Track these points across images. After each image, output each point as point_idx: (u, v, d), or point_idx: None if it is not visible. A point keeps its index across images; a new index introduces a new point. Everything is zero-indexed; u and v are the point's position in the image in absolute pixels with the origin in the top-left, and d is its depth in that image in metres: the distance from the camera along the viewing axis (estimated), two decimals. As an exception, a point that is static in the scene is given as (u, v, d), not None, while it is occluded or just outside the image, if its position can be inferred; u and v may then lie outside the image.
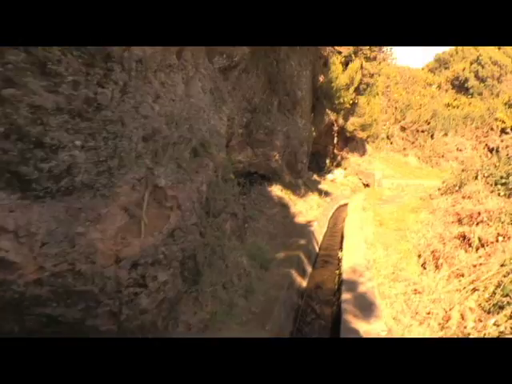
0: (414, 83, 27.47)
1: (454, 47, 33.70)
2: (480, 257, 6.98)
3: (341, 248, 7.87)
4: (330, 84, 13.30)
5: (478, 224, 9.44)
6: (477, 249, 7.41)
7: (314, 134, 14.58)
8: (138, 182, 3.63)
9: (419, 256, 8.89)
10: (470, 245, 7.85)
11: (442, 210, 13.01)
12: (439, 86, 29.18)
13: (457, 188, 14.23)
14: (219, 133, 5.63)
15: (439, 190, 16.11)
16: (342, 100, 13.77)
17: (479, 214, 9.73)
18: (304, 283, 6.47)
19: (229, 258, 4.38)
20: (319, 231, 9.94)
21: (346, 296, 4.77)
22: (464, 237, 8.31)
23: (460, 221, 10.57)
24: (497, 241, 7.15)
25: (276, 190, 10.33)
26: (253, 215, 7.56)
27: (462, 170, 15.81)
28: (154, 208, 3.85)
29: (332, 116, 16.28)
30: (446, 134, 23.26)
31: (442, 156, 22.77)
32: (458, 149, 22.81)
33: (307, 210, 10.61)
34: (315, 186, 14.90)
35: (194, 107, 4.79)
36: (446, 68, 33.23)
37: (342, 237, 8.93)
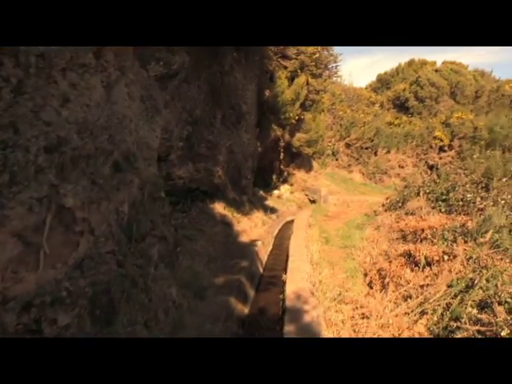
0: (359, 101, 28.18)
1: (395, 67, 35.20)
2: (427, 277, 6.80)
3: (285, 269, 7.42)
4: (276, 99, 13.06)
5: (421, 241, 9.38)
6: (423, 268, 7.23)
7: (260, 149, 14.25)
8: (37, 202, 2.96)
9: (365, 275, 8.63)
10: (415, 263, 7.68)
11: (386, 226, 13.00)
12: (382, 105, 30.16)
13: (400, 204, 14.36)
14: (149, 145, 5.02)
15: (383, 206, 16.27)
16: (287, 115, 13.56)
17: (423, 230, 9.69)
18: (246, 310, 5.92)
19: (154, 289, 3.76)
20: (264, 250, 9.47)
21: (288, 328, 4.29)
22: (410, 255, 8.15)
23: (404, 237, 10.51)
24: (442, 260, 7.02)
25: (219, 208, 9.78)
26: (191, 235, 6.95)
27: (405, 187, 16.07)
28: (58, 234, 3.18)
29: (278, 131, 16.07)
30: (388, 152, 23.90)
31: (385, 172, 23.32)
32: (399, 165, 23.47)
33: (252, 227, 10.13)
34: (261, 203, 14.51)
35: (116, 115, 4.17)
36: (387, 88, 34.54)
37: (288, 256, 8.51)
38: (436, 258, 7.09)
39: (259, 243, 8.85)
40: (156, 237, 4.06)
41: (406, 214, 12.39)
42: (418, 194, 13.39)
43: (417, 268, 7.30)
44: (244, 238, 9.04)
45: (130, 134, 4.49)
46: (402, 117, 27.41)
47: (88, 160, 3.52)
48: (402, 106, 30.22)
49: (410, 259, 7.94)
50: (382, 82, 36.29)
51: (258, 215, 11.44)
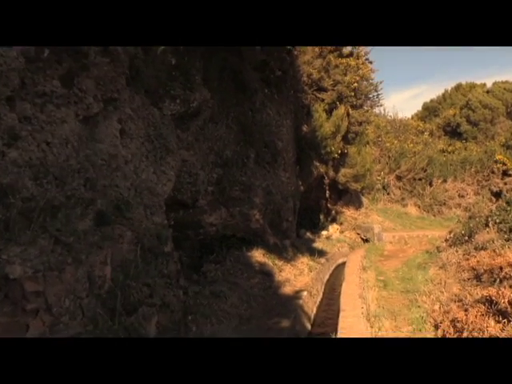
0: (406, 132, 26.72)
1: (442, 94, 33.60)
2: (520, 332, 5.33)
3: (336, 328, 6.19)
4: (315, 133, 12.17)
5: (501, 281, 7.85)
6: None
7: (302, 187, 13.25)
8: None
9: (436, 327, 7.14)
10: (500, 312, 6.20)
11: (453, 265, 11.39)
12: (431, 133, 28.48)
13: (466, 238, 12.66)
14: (154, 190, 4.21)
15: (446, 240, 14.53)
16: (328, 149, 12.57)
17: (501, 268, 8.14)
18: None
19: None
20: (312, 302, 8.25)
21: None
22: (491, 301, 6.66)
23: (478, 278, 8.94)
24: (536, 307, 5.54)
25: (257, 255, 8.77)
26: (220, 292, 5.96)
27: (470, 218, 14.35)
28: (2, 315, 2.31)
29: (321, 168, 15.06)
30: (444, 181, 22.04)
31: (444, 203, 21.39)
32: (459, 195, 21.49)
33: (296, 276, 8.98)
34: (307, 246, 13.32)
35: (101, 155, 3.39)
36: (435, 115, 32.88)
37: (339, 311, 7.25)
38: (528, 304, 5.63)
39: (305, 294, 7.67)
40: (154, 305, 3.16)
41: (476, 248, 10.78)
42: (487, 225, 11.72)
43: (503, 319, 5.81)
44: (287, 289, 7.90)
45: (124, 178, 3.69)
46: (456, 143, 25.57)
47: (53, 213, 2.69)
48: (453, 133, 28.41)
49: (493, 307, 6.46)
50: (429, 110, 34.66)
51: (304, 260, 10.27)
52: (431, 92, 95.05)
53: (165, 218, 4.25)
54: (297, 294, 7.64)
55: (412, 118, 33.47)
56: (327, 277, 12.23)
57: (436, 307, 7.96)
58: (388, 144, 23.69)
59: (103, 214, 3.17)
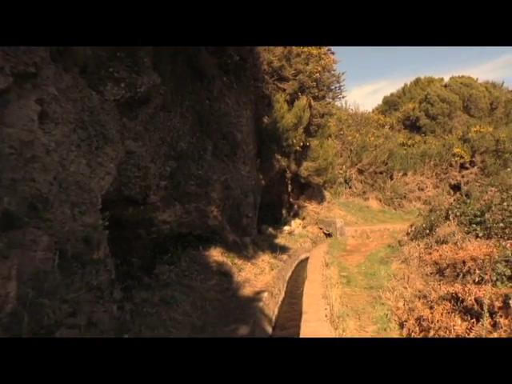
0: (367, 125, 26.78)
1: (401, 88, 34.04)
2: (490, 332, 5.05)
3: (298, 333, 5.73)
4: (276, 125, 11.67)
5: (464, 276, 7.69)
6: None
7: (264, 182, 12.75)
8: None
9: (401, 325, 6.85)
10: (467, 310, 5.95)
11: (415, 259, 11.27)
12: (392, 127, 28.74)
13: (427, 231, 12.60)
14: (84, 185, 3.54)
15: (408, 234, 14.49)
16: (290, 142, 12.11)
17: (464, 262, 7.98)
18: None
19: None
20: (273, 303, 7.78)
21: None
22: (457, 298, 6.42)
23: (441, 272, 8.77)
24: (507, 306, 5.28)
25: (215, 254, 8.20)
26: (170, 298, 5.35)
27: (430, 211, 14.37)
28: None
29: (283, 161, 14.61)
30: (405, 174, 22.20)
31: (404, 197, 21.54)
32: (419, 188, 21.71)
33: (257, 275, 8.47)
34: (269, 242, 12.88)
35: (11, 142, 2.72)
36: (395, 109, 33.25)
37: (301, 313, 6.81)
38: (498, 303, 5.36)
39: (265, 295, 7.17)
40: (77, 327, 2.55)
41: (437, 242, 10.69)
42: (447, 218, 11.69)
43: (471, 318, 5.54)
44: (247, 291, 7.38)
45: (43, 171, 3.02)
46: (415, 136, 25.85)
47: None
48: (413, 126, 28.76)
49: (458, 304, 6.21)
50: (389, 104, 35.03)
51: (265, 258, 9.78)
52: (391, 87, 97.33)
53: (99, 218, 3.60)
54: (257, 296, 7.14)
55: (373, 111, 33.71)
56: (289, 274, 11.84)
57: (400, 304, 7.70)
58: (350, 137, 23.62)
59: (11, 214, 2.52)
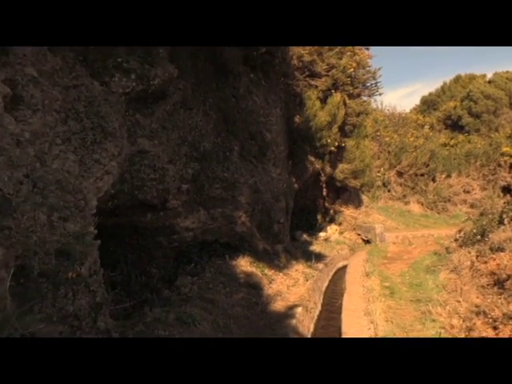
0: (405, 125, 25.45)
1: (440, 86, 32.40)
2: None
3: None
4: (308, 123, 10.86)
5: (531, 289, 6.62)
6: None
7: (296, 185, 11.94)
8: None
9: (458, 347, 5.76)
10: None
11: (466, 268, 10.14)
12: (432, 127, 27.23)
13: (478, 237, 11.36)
14: (66, 186, 2.86)
15: (456, 240, 13.27)
16: (324, 141, 11.25)
17: (529, 273, 6.90)
18: None
19: None
20: (308, 318, 6.94)
21: None
22: (529, 317, 5.40)
23: (500, 284, 7.70)
24: None
25: (243, 264, 7.45)
26: (187, 318, 4.62)
27: (481, 215, 13.11)
28: None
29: (317, 164, 13.75)
30: (448, 176, 20.73)
31: (448, 200, 20.08)
32: (464, 190, 20.20)
33: (289, 287, 7.66)
34: (303, 250, 12.02)
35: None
36: (434, 109, 31.68)
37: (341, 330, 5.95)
38: None
39: (299, 311, 6.35)
40: None
41: (491, 249, 9.52)
42: (501, 223, 10.46)
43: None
44: (278, 305, 6.59)
45: (9, 166, 2.37)
46: (458, 136, 24.30)
47: None
48: (455, 125, 27.18)
49: (532, 324, 5.22)
50: (428, 104, 33.43)
51: (299, 268, 8.95)
52: (426, 89, 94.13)
53: (88, 225, 2.93)
54: (290, 311, 6.32)
55: (410, 112, 32.24)
56: (326, 284, 10.95)
57: (455, 322, 6.70)
58: (387, 138, 22.41)
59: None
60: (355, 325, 5.86)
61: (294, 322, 5.79)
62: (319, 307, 8.40)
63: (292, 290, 7.55)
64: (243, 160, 8.55)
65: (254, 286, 6.82)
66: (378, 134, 22.60)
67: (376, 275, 11.22)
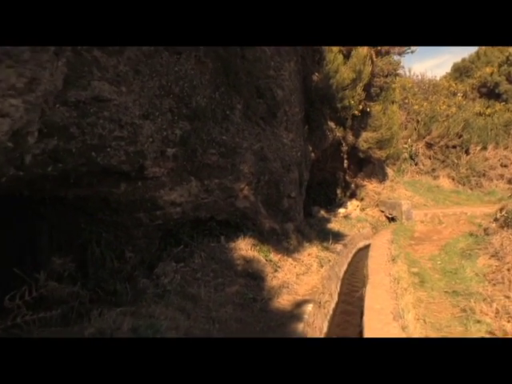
0: (436, 93, 23.33)
1: (475, 52, 29.69)
2: None
3: None
4: (328, 81, 9.21)
5: None
6: None
7: (313, 155, 10.41)
8: None
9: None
10: None
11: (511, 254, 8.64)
12: (465, 95, 24.95)
13: (526, 217, 9.75)
14: None
15: (496, 220, 11.62)
16: (346, 102, 9.60)
17: None
18: None
19: None
20: (321, 316, 5.57)
21: None
22: None
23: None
24: None
25: (243, 247, 6.07)
26: (147, 328, 3.29)
27: (528, 191, 11.37)
28: None
29: (338, 132, 12.15)
30: (484, 148, 18.74)
31: (483, 175, 18.16)
32: (502, 164, 18.23)
33: (299, 275, 6.27)
34: (320, 228, 10.62)
35: None
36: (467, 76, 29.10)
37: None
38: None
39: (309, 309, 4.96)
40: None
41: (542, 231, 7.96)
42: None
43: None
44: (283, 301, 5.21)
45: None
46: (496, 104, 22.04)
47: None
48: (490, 94, 24.77)
49: None
50: (461, 71, 30.74)
51: (313, 251, 7.53)
52: (455, 60, 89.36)
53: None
54: (297, 309, 4.94)
55: (441, 80, 29.80)
56: (345, 268, 9.56)
57: (509, 326, 5.23)
58: (416, 106, 20.44)
59: None
60: (381, 332, 4.45)
61: (301, 326, 4.41)
62: (335, 298, 7.03)
63: (302, 280, 6.17)
64: (247, 121, 7.07)
65: (253, 276, 5.45)
66: (406, 101, 20.66)
67: (402, 258, 9.82)
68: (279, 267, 6.08)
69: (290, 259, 6.55)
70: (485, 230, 11.01)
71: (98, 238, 5.61)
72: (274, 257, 6.26)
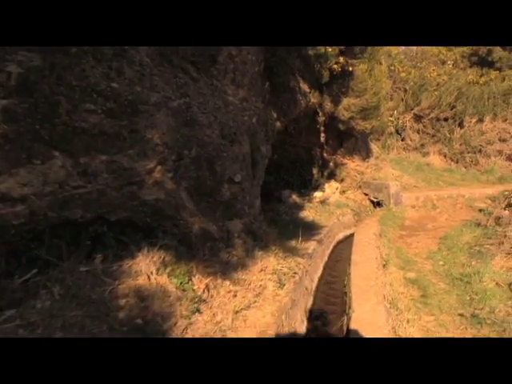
0: (424, 60, 20.95)
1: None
2: None
3: None
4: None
5: None
6: None
7: (279, 124, 7.88)
8: None
9: None
10: None
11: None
12: (455, 64, 22.66)
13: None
14: None
15: (509, 206, 9.41)
16: (321, 48, 7.10)
17: None
18: None
19: None
20: None
21: None
22: None
23: None
24: None
25: (143, 269, 3.57)
26: None
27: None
28: None
29: (313, 97, 9.65)
30: (480, 120, 16.51)
31: (479, 151, 15.98)
32: (500, 138, 16.05)
33: (241, 311, 3.82)
34: (289, 219, 8.22)
35: None
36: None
37: None
38: None
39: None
40: None
41: None
42: None
43: None
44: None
45: None
46: (491, 72, 19.79)
47: None
48: (483, 62, 22.51)
49: None
50: (449, 40, 28.45)
51: (270, 261, 5.07)
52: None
53: None
54: None
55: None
56: (320, 273, 7.23)
57: None
58: (403, 74, 18.05)
59: None
60: None
61: None
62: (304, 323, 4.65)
63: (245, 320, 3.71)
64: (164, 63, 4.48)
65: (145, 330, 2.98)
66: (392, 67, 18.20)
67: (393, 258, 7.61)
68: (204, 301, 3.60)
69: (227, 282, 4.08)
70: (496, 219, 8.77)
71: None
72: (199, 283, 3.77)
